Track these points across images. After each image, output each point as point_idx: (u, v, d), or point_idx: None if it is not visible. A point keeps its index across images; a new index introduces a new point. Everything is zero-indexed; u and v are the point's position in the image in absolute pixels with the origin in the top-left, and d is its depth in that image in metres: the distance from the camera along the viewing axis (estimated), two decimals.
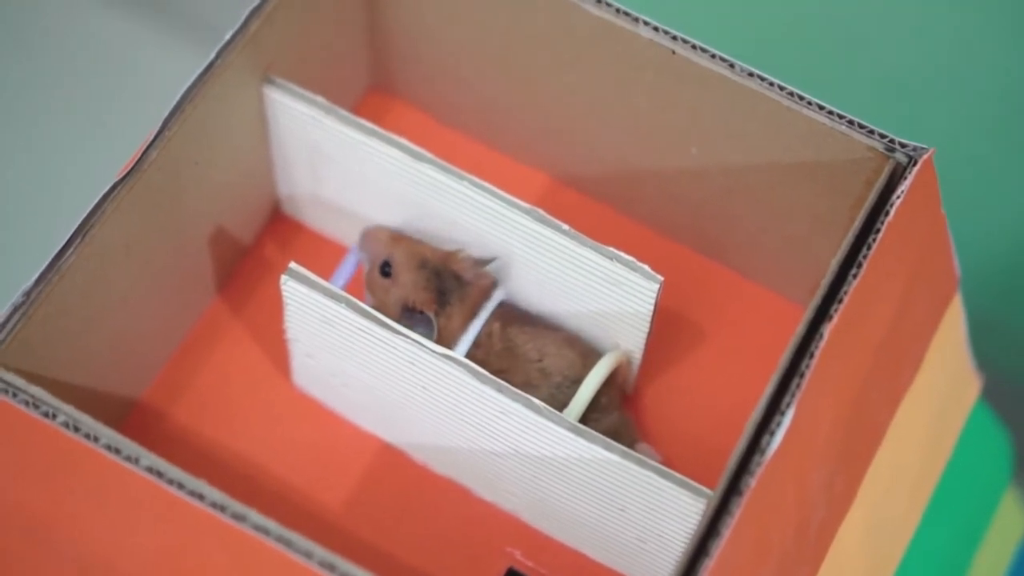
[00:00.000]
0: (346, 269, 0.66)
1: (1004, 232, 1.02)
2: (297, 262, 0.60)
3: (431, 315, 0.63)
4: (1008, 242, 1.02)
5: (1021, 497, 0.94)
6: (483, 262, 0.64)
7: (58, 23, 1.22)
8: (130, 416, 0.65)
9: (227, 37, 0.61)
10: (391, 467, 0.65)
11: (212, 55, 0.61)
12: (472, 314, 0.63)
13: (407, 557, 0.63)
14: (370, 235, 0.65)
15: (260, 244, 0.70)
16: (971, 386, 0.74)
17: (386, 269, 0.64)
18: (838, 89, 0.88)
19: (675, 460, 0.64)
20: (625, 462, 0.57)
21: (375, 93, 0.74)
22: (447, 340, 0.63)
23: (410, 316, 0.63)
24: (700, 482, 0.58)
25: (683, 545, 0.59)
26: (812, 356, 0.55)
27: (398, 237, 0.64)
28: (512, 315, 0.64)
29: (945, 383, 0.70)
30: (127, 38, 1.22)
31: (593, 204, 0.71)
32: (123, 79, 1.21)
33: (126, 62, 1.21)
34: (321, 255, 0.69)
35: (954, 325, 0.68)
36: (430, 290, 0.63)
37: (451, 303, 0.63)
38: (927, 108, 0.98)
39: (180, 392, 0.66)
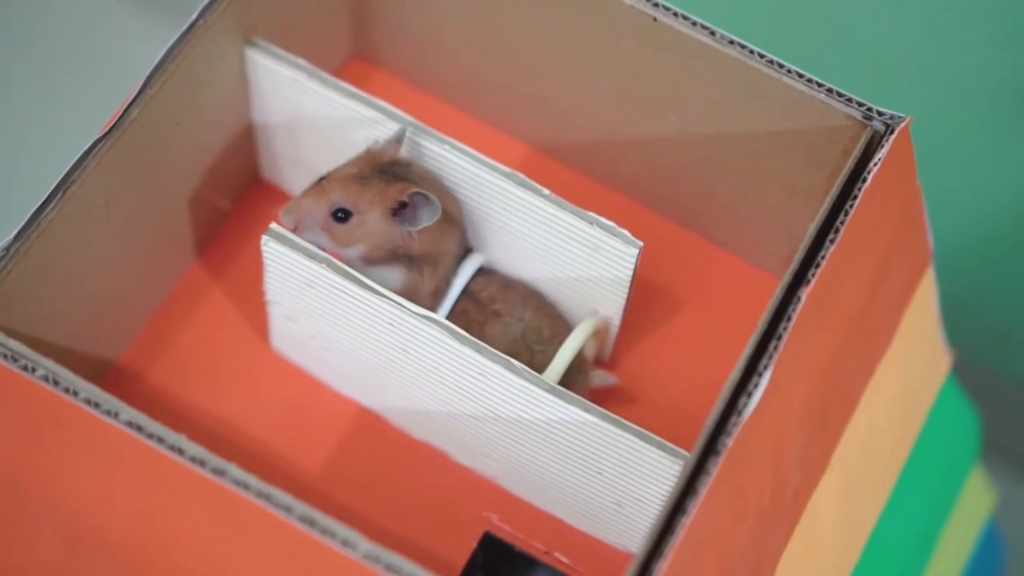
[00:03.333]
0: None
1: (977, 215, 1.03)
2: (277, 225, 0.60)
3: (417, 193, 0.60)
4: (981, 225, 1.03)
5: (988, 475, 0.95)
6: (393, 139, 0.62)
7: None
8: (107, 377, 0.65)
9: None
10: (369, 431, 0.65)
11: (194, 15, 0.61)
12: (437, 185, 0.62)
13: (384, 521, 0.63)
14: (297, 211, 0.61)
15: (240, 208, 0.70)
16: (942, 361, 0.75)
17: (340, 215, 0.61)
18: (819, 59, 0.88)
19: (653, 426, 0.64)
20: (603, 423, 0.58)
21: (356, 61, 0.74)
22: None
23: (403, 215, 0.61)
24: (678, 447, 0.58)
25: (660, 509, 0.59)
26: (790, 319, 0.55)
27: (317, 190, 0.61)
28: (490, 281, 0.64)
29: (917, 356, 0.71)
30: (110, 4, 1.22)
31: (572, 173, 0.72)
32: (107, 42, 1.20)
33: (111, 24, 1.21)
34: None
35: (927, 297, 0.69)
36: (393, 181, 0.61)
37: (413, 180, 0.61)
38: (905, 83, 0.99)
39: (158, 354, 0.66)
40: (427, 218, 0.60)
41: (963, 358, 0.93)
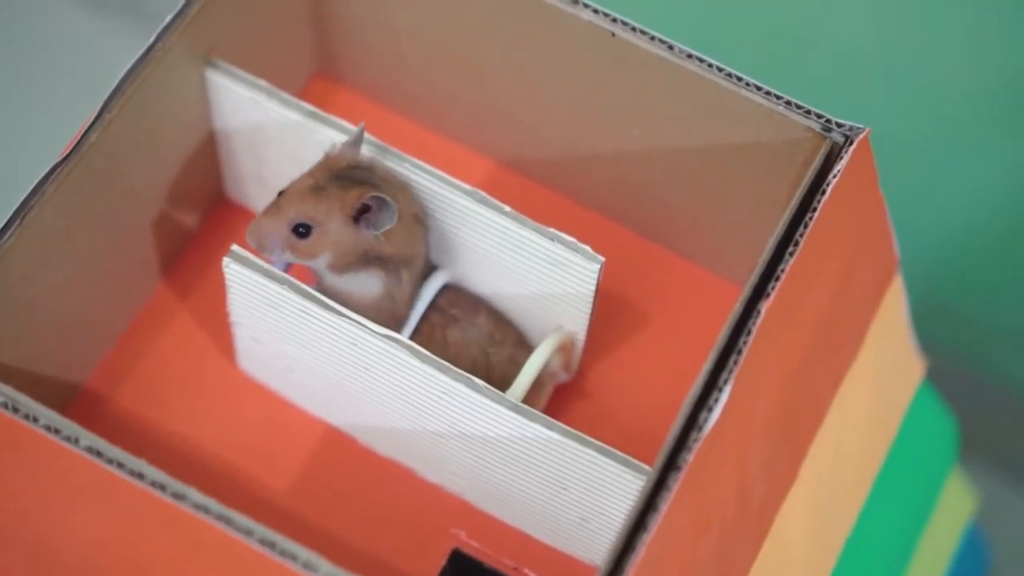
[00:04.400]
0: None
1: (952, 220, 1.03)
2: (240, 246, 0.60)
3: (377, 195, 0.59)
4: (957, 230, 1.03)
5: (973, 480, 0.95)
6: (351, 142, 0.61)
7: None
8: (75, 401, 0.65)
9: (167, 19, 0.61)
10: (336, 450, 0.65)
11: (152, 38, 0.61)
12: (402, 185, 0.62)
13: (353, 539, 0.63)
14: (258, 233, 0.60)
15: (204, 228, 0.70)
16: (915, 368, 0.75)
17: (301, 230, 0.60)
18: (779, 72, 0.89)
19: (621, 440, 0.64)
20: (566, 440, 0.58)
21: (319, 79, 0.74)
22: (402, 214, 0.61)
23: (366, 219, 0.60)
24: (645, 461, 0.58)
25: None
26: (749, 333, 0.55)
27: (274, 209, 0.60)
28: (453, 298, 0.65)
29: (888, 363, 0.71)
30: (69, 22, 1.21)
31: (536, 187, 0.72)
32: (66, 63, 1.20)
33: (69, 46, 1.21)
34: None
35: (895, 305, 0.69)
36: (350, 187, 0.60)
37: (376, 184, 0.61)
38: (866, 93, 0.99)
39: (125, 377, 0.66)
40: (387, 221, 0.60)
41: (943, 363, 0.93)
